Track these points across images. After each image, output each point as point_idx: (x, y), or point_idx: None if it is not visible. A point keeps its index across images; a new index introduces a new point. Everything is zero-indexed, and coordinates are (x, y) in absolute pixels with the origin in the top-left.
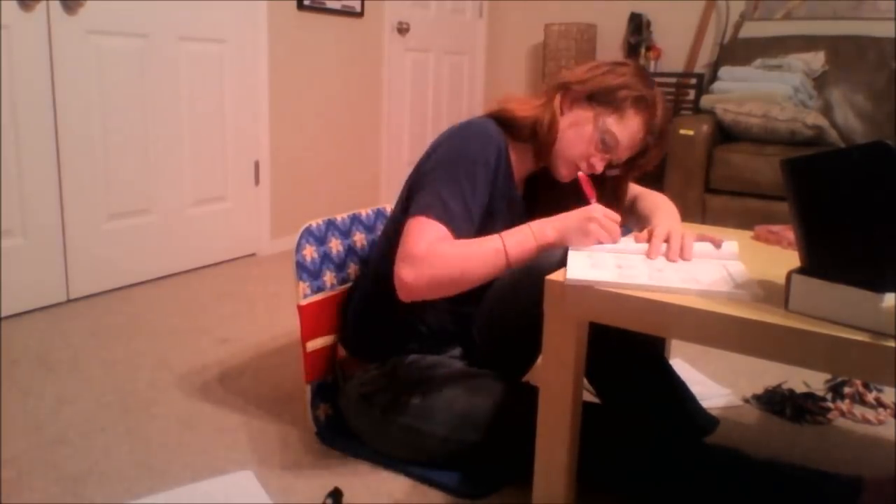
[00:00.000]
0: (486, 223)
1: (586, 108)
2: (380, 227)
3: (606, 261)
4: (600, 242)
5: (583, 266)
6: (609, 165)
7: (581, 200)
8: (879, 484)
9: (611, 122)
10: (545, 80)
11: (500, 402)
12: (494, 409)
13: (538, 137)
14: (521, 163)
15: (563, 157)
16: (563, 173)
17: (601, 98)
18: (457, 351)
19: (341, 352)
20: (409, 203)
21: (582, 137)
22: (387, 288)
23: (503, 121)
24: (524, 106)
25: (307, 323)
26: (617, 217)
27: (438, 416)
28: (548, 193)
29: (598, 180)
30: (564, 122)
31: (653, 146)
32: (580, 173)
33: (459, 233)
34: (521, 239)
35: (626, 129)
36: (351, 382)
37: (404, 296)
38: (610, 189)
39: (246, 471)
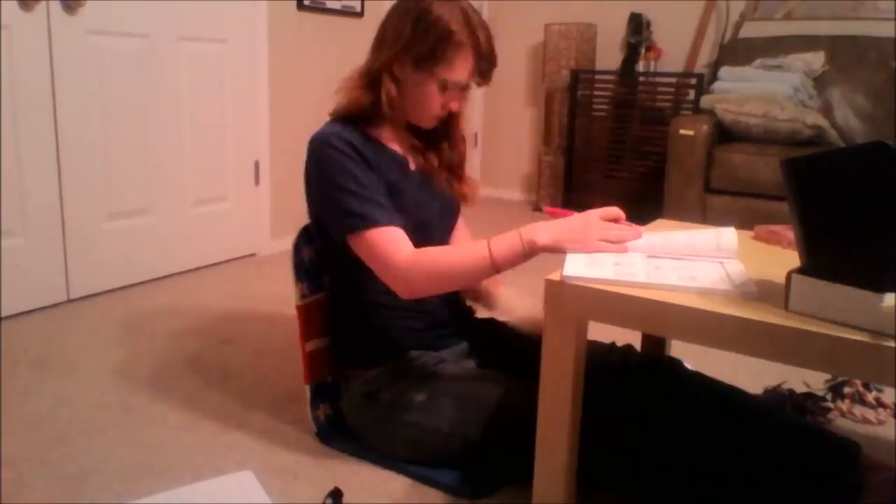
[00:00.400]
0: (397, 198)
1: (415, 70)
2: None
3: (604, 259)
4: (601, 251)
5: (580, 264)
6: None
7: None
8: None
9: (444, 72)
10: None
11: (504, 399)
12: (499, 406)
13: (385, 115)
14: (384, 132)
15: (420, 116)
16: (430, 125)
17: (426, 60)
18: (459, 347)
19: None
20: (327, 231)
21: (427, 96)
22: (354, 301)
23: (347, 116)
24: (351, 94)
25: (306, 323)
26: (620, 214)
27: (443, 412)
28: (429, 134)
29: (439, 137)
30: (402, 90)
31: (487, 71)
32: (545, 207)
33: (389, 222)
34: (509, 247)
35: (460, 68)
36: (353, 382)
37: (404, 297)
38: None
39: (246, 471)
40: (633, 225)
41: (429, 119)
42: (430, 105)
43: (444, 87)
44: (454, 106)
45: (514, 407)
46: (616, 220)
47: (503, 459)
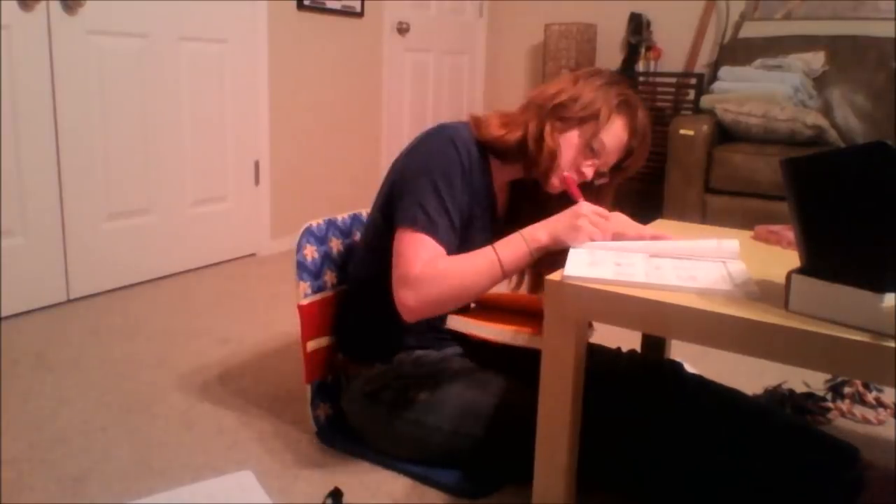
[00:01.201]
0: (464, 228)
1: (571, 122)
2: None
3: (605, 259)
4: (593, 239)
5: (581, 264)
6: (597, 174)
7: (566, 205)
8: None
9: (598, 129)
10: (534, 89)
11: (506, 398)
12: (500, 405)
13: (528, 156)
14: (501, 170)
15: (550, 166)
16: (554, 183)
17: (588, 118)
18: (455, 349)
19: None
20: (391, 210)
21: (570, 148)
22: (371, 292)
23: (484, 142)
24: (506, 127)
25: (307, 323)
26: (606, 213)
27: (445, 411)
28: (532, 202)
29: (583, 188)
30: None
31: (637, 147)
32: (566, 174)
33: (445, 243)
34: (514, 247)
35: (612, 134)
36: (355, 381)
37: (408, 318)
38: (594, 196)
39: (246, 471)
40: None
41: (557, 174)
42: (569, 154)
43: (591, 146)
44: (589, 172)
45: (515, 406)
46: (604, 216)
47: (504, 458)
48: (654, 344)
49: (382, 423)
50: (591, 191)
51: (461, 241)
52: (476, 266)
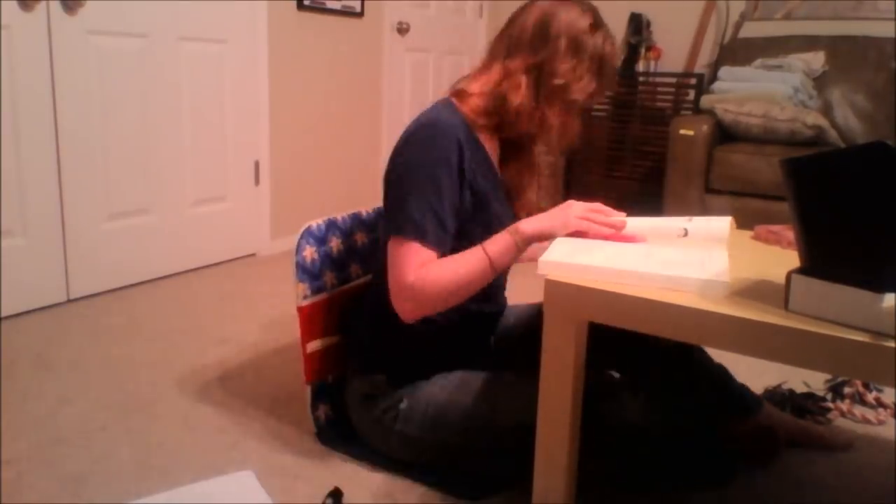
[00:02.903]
0: (482, 210)
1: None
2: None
3: (588, 248)
4: (580, 228)
5: (560, 252)
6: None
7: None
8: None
9: (594, 96)
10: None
11: (499, 404)
12: (495, 412)
13: (524, 130)
14: (490, 139)
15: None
16: (570, 121)
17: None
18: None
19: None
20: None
21: (555, 118)
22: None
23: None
24: (484, 90)
25: (307, 324)
26: (599, 206)
27: (419, 422)
28: (517, 149)
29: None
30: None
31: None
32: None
33: (434, 245)
34: (502, 245)
35: (583, 89)
36: (356, 380)
37: (409, 321)
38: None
39: (246, 471)
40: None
41: (572, 115)
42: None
43: (571, 107)
44: (595, 101)
45: (499, 420)
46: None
47: (504, 462)
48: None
49: (376, 426)
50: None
51: (484, 223)
52: (468, 265)
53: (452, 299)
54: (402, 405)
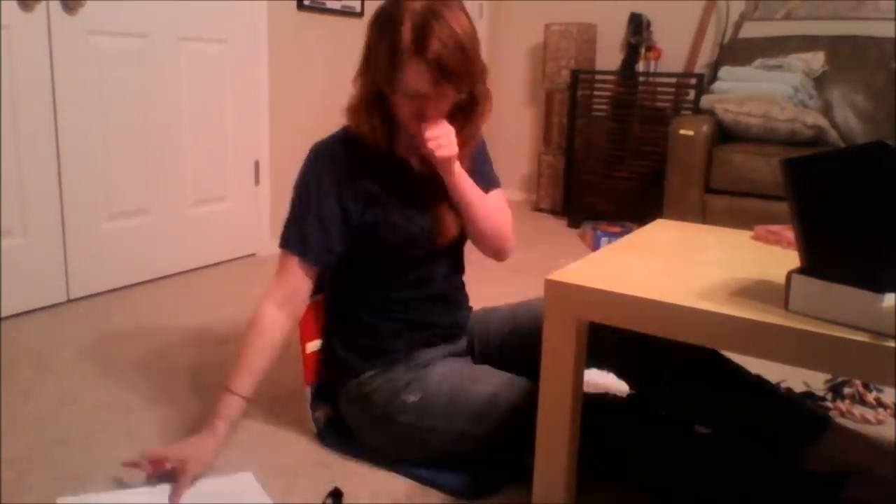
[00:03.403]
0: (381, 210)
1: (378, 96)
2: None
3: None
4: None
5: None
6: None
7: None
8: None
9: (398, 86)
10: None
11: (496, 396)
12: (491, 402)
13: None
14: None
15: (409, 138)
16: (415, 135)
17: (381, 82)
18: (453, 346)
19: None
20: None
21: (403, 115)
22: (352, 298)
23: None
24: (356, 123)
25: (306, 325)
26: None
27: (436, 411)
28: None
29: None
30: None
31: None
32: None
33: (304, 252)
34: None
35: (409, 76)
36: (348, 383)
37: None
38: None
39: (246, 472)
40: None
41: (416, 139)
42: (406, 119)
43: (406, 99)
44: (430, 114)
45: (505, 403)
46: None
47: (500, 455)
48: None
49: (376, 424)
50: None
51: (386, 222)
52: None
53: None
54: (412, 398)
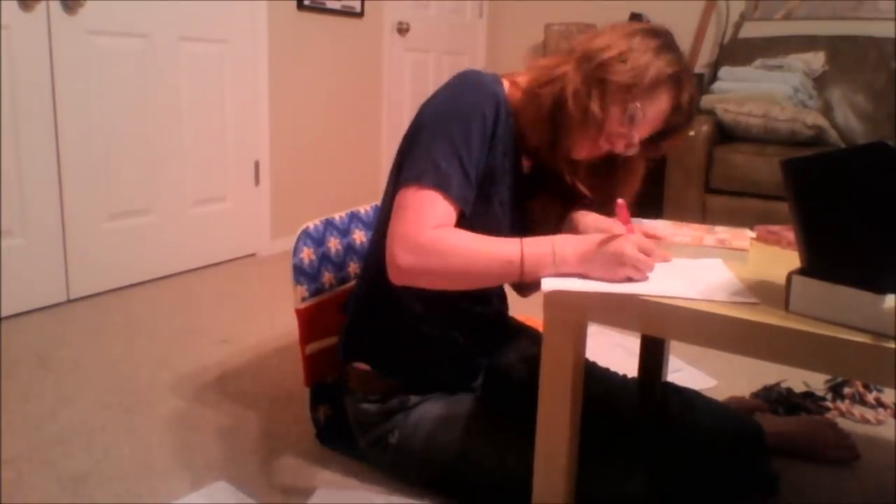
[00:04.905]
0: (486, 184)
1: (613, 86)
2: None
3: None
4: (630, 281)
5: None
6: (627, 144)
7: (593, 168)
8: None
9: (640, 99)
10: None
11: (468, 451)
12: (460, 458)
13: (559, 121)
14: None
15: (581, 139)
16: (581, 153)
17: (628, 86)
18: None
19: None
20: (401, 168)
21: (607, 114)
22: (386, 292)
23: (514, 101)
24: (539, 81)
25: (305, 326)
26: (652, 249)
27: (411, 462)
28: (545, 184)
29: (607, 161)
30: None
31: (681, 124)
32: (619, 200)
33: (458, 199)
34: (539, 254)
35: (655, 106)
36: (354, 397)
37: (395, 278)
38: (622, 175)
39: (219, 481)
40: (665, 254)
41: (588, 141)
42: (606, 125)
43: (630, 116)
44: (618, 144)
45: (474, 462)
46: (648, 253)
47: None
48: (653, 343)
49: (368, 448)
50: (619, 167)
51: (484, 199)
52: (492, 253)
53: (457, 280)
54: (392, 438)
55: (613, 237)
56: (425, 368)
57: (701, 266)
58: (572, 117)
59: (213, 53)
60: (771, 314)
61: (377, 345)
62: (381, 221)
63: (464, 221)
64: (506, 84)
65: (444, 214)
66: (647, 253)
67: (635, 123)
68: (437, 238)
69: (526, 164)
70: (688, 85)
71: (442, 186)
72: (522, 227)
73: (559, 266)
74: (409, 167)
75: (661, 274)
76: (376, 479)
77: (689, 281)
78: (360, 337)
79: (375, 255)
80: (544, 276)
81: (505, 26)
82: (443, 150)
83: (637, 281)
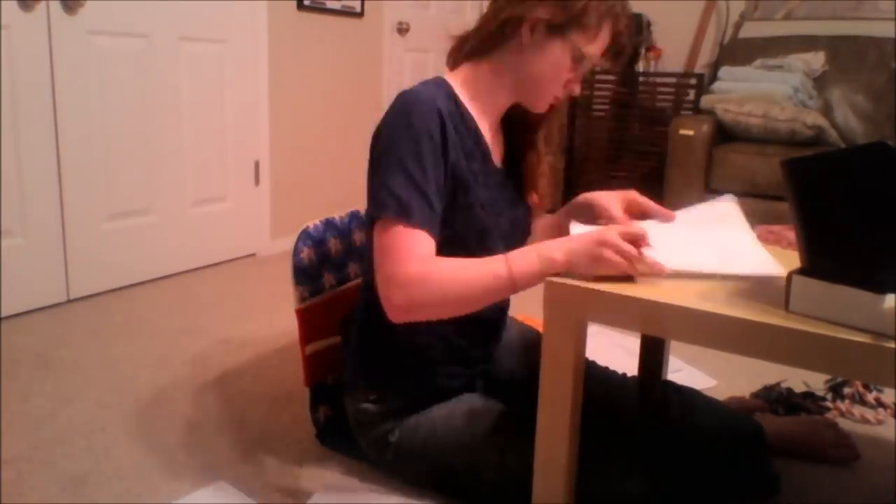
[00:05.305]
0: (464, 193)
1: (549, 33)
2: None
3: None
4: (618, 272)
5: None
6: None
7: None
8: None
9: (583, 43)
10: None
11: (464, 458)
12: (459, 462)
13: (492, 84)
14: (483, 112)
15: (540, 91)
16: (540, 105)
17: (571, 24)
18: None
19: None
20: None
21: (555, 65)
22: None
23: (468, 49)
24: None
25: (305, 327)
26: (638, 236)
27: (412, 466)
28: (528, 132)
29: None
30: (528, 56)
31: (623, 50)
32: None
33: (424, 225)
34: (526, 265)
35: (598, 45)
36: (354, 396)
37: (396, 318)
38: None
39: (218, 481)
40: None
41: (547, 97)
42: (559, 76)
43: (577, 59)
44: (576, 88)
45: (471, 463)
46: (636, 243)
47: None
48: (653, 343)
49: (369, 447)
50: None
51: (467, 207)
52: (480, 275)
53: (456, 306)
54: (392, 438)
55: (596, 230)
56: (427, 373)
57: (717, 218)
58: (528, 80)
59: (213, 53)
60: (771, 314)
61: (382, 369)
62: (369, 249)
63: (453, 237)
64: (453, 81)
65: (422, 244)
66: (633, 241)
67: (581, 65)
68: (424, 271)
69: (496, 157)
70: (622, 16)
71: (405, 216)
72: (525, 220)
73: (545, 268)
74: (370, 202)
75: (681, 240)
76: (376, 479)
77: (709, 248)
78: (370, 362)
79: (369, 277)
80: (535, 284)
81: None
82: (396, 180)
83: (621, 270)
